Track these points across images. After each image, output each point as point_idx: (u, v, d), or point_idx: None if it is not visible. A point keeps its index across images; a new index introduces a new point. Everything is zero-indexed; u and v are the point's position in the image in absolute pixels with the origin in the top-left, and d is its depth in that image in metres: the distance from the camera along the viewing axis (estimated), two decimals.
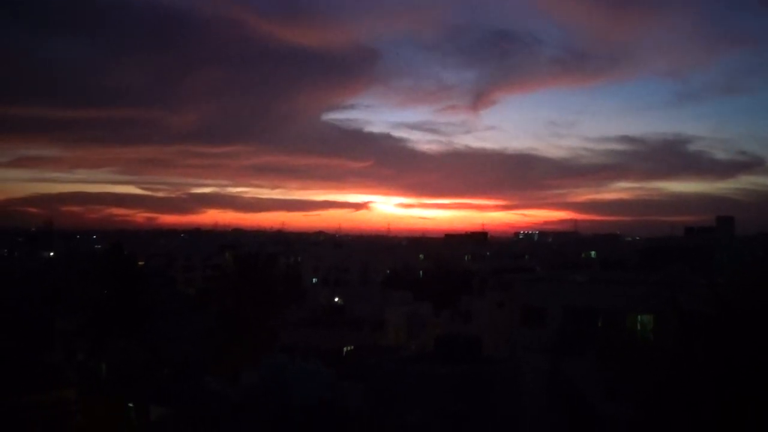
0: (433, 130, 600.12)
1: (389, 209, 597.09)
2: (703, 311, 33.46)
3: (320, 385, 46.29)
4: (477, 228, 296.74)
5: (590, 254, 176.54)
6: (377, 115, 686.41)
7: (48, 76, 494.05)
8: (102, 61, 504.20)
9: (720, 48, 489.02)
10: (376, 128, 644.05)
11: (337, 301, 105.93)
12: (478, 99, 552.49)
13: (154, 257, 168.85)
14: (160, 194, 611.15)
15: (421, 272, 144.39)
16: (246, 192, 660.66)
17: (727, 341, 29.95)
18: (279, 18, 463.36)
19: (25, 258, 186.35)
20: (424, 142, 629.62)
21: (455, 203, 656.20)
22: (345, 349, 71.86)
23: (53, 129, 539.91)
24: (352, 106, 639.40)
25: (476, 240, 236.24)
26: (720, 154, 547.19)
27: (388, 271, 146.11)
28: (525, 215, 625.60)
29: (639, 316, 56.47)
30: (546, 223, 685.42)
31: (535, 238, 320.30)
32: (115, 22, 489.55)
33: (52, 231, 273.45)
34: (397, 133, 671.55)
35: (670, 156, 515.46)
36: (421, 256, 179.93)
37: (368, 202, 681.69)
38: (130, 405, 51.19)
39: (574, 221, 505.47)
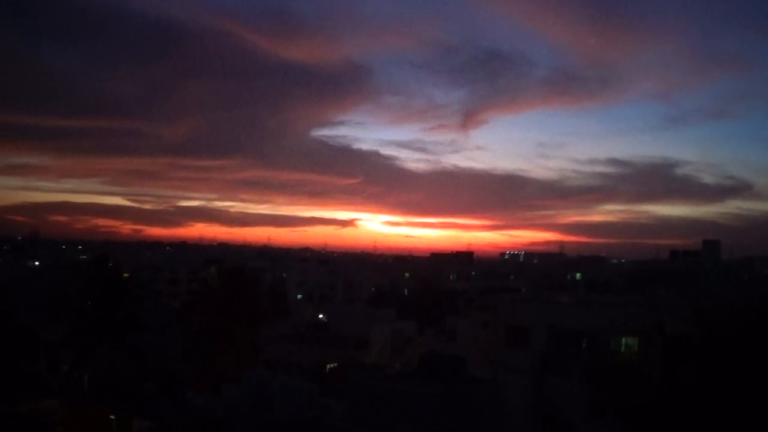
0: (421, 149, 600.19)
1: (376, 227, 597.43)
2: (687, 334, 33.57)
3: (303, 401, 46.21)
4: (463, 247, 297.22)
5: (576, 276, 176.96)
6: (366, 132, 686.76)
7: (37, 84, 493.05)
8: (93, 71, 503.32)
9: (709, 72, 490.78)
10: (364, 145, 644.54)
11: (321, 318, 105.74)
12: (468, 118, 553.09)
13: (139, 269, 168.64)
14: (147, 206, 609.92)
15: (406, 291, 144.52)
16: (233, 206, 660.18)
17: (711, 364, 30.02)
18: (271, 32, 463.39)
19: (10, 267, 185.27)
20: (412, 160, 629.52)
21: (442, 222, 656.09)
22: (328, 365, 71.83)
23: (42, 137, 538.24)
24: (341, 123, 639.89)
25: (462, 259, 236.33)
26: (707, 178, 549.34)
27: (373, 289, 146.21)
28: (511, 236, 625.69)
29: (624, 338, 56.70)
30: (532, 244, 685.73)
31: (521, 258, 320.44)
32: (107, 31, 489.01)
33: (38, 240, 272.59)
34: (386, 151, 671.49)
35: (657, 179, 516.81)
36: (407, 274, 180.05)
37: (355, 220, 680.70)
38: (113, 417, 50.96)
39: (561, 243, 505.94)
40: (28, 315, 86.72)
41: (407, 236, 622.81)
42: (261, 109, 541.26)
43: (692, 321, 32.36)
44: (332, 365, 72.26)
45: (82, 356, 66.82)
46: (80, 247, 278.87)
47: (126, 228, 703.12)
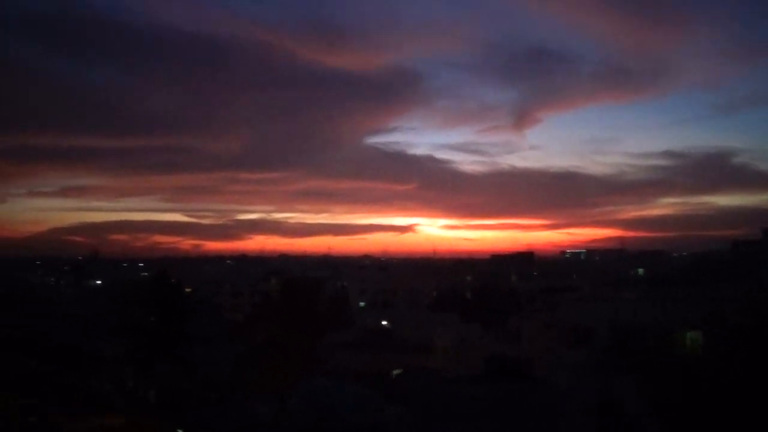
0: (476, 151, 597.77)
1: (434, 231, 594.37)
2: (751, 325, 33.22)
3: (367, 408, 46.36)
4: (523, 248, 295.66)
5: (637, 271, 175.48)
6: (420, 137, 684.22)
7: (90, 106, 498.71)
8: (145, 89, 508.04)
9: (759, 58, 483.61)
10: (419, 150, 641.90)
11: (384, 325, 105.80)
12: (521, 118, 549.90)
13: (200, 284, 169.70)
14: (206, 221, 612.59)
15: (468, 294, 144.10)
16: (291, 217, 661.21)
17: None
18: (320, 42, 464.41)
19: (72, 286, 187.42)
20: (467, 163, 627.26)
21: (501, 224, 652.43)
22: (392, 372, 71.86)
23: (98, 158, 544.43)
24: (394, 129, 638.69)
25: (523, 260, 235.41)
26: (764, 166, 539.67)
27: (435, 294, 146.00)
28: (571, 234, 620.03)
29: (687, 333, 56.19)
30: (592, 241, 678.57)
31: (582, 256, 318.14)
32: (157, 51, 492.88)
33: (98, 259, 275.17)
34: (441, 155, 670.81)
35: (713, 169, 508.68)
36: (468, 277, 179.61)
37: (413, 225, 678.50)
38: (179, 431, 51.42)
39: (621, 238, 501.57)
40: (91, 332, 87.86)
41: (466, 239, 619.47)
42: (314, 120, 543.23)
43: (756, 311, 32.07)
44: (396, 371, 72.30)
45: (146, 371, 67.62)
46: (141, 265, 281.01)
47: (186, 243, 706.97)
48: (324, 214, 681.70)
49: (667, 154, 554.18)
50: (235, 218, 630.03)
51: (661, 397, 41.74)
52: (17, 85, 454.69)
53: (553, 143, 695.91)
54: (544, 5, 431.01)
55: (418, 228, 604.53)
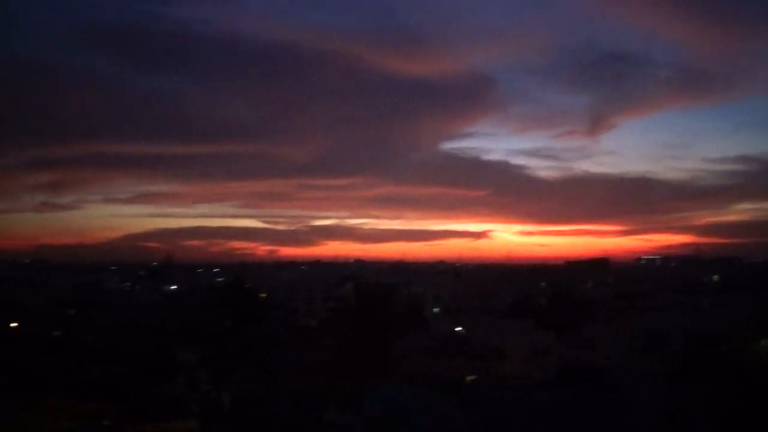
0: (550, 156, 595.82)
1: (509, 237, 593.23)
2: None
3: (442, 414, 46.76)
4: (598, 254, 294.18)
5: (713, 278, 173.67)
6: (494, 142, 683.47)
7: (167, 114, 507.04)
8: (220, 98, 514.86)
9: None
10: (493, 156, 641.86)
11: (458, 331, 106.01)
12: (595, 123, 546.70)
13: (276, 289, 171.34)
14: (281, 227, 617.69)
15: (542, 300, 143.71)
16: (366, 223, 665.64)
17: None
18: (392, 49, 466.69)
19: (147, 291, 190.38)
20: (542, 168, 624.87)
21: (575, 230, 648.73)
22: (467, 378, 72.19)
23: (173, 165, 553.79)
24: (468, 135, 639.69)
25: (597, 266, 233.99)
26: None
27: (509, 300, 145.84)
28: (646, 240, 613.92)
29: (761, 341, 55.82)
30: (667, 247, 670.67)
31: (657, 263, 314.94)
32: (233, 59, 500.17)
33: (173, 265, 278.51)
34: (515, 161, 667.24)
35: None
36: (542, 283, 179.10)
37: (488, 231, 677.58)
38: None
39: (696, 245, 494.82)
40: (166, 337, 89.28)
41: (541, 245, 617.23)
42: (388, 126, 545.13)
43: None
44: (470, 378, 72.62)
45: (221, 376, 68.75)
46: (216, 270, 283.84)
47: (261, 249, 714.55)
48: (398, 220, 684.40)
49: (742, 158, 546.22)
50: (309, 224, 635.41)
51: (733, 406, 41.70)
52: (93, 95, 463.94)
53: (627, 148, 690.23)
54: (619, 10, 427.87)
55: (492, 234, 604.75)
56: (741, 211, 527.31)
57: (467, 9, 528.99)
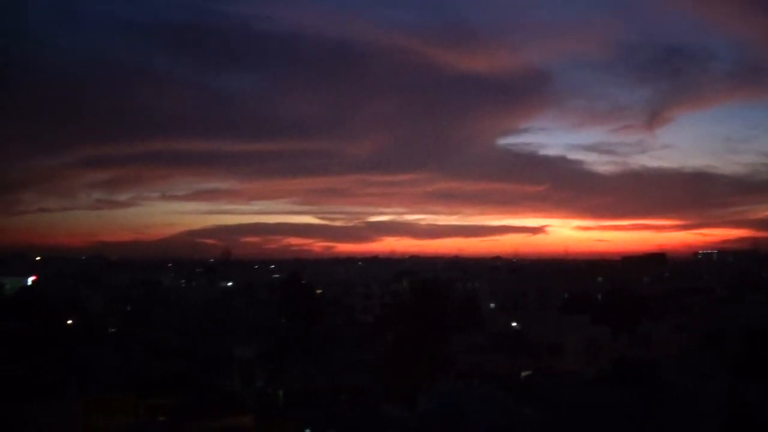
0: (608, 151, 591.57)
1: (566, 232, 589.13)
2: None
3: (497, 410, 46.83)
4: (655, 249, 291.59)
5: None
6: (551, 137, 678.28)
7: (223, 111, 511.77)
8: (276, 94, 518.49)
9: None
10: (550, 151, 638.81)
11: (514, 326, 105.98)
12: (653, 117, 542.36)
13: (332, 285, 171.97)
14: (338, 223, 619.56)
15: (599, 295, 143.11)
16: (422, 219, 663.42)
17: None
18: (450, 45, 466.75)
19: (204, 288, 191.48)
20: (599, 163, 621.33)
21: (633, 224, 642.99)
22: (522, 374, 72.24)
23: (230, 162, 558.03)
24: (525, 130, 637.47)
25: (654, 261, 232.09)
26: None
27: (566, 295, 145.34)
28: (704, 234, 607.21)
29: None
30: (725, 241, 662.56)
31: (714, 257, 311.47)
32: (288, 56, 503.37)
33: (230, 261, 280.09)
34: (572, 155, 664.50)
35: None
36: (599, 279, 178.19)
37: (545, 226, 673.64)
38: (307, 431, 52.38)
39: (753, 239, 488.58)
40: (223, 333, 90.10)
41: (598, 240, 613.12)
42: (445, 122, 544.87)
43: None
44: (526, 373, 72.64)
45: (277, 372, 69.35)
46: (272, 267, 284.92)
47: (317, 246, 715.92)
48: (455, 216, 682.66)
49: None
50: (366, 220, 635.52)
51: None
52: (151, 92, 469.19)
53: (685, 142, 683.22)
54: (678, 4, 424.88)
55: (549, 229, 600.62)
56: None
57: (525, 4, 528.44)
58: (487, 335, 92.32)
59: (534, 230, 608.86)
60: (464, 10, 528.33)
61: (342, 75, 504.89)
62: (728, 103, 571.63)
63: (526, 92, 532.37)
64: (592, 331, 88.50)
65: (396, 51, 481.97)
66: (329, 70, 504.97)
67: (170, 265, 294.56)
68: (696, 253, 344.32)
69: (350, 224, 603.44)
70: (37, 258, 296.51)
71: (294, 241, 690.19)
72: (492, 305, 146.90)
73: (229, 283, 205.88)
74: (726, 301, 78.52)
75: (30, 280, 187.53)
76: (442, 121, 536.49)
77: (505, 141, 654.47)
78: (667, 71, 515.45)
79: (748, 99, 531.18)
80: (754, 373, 49.59)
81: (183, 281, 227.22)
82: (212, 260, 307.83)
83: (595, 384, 49.88)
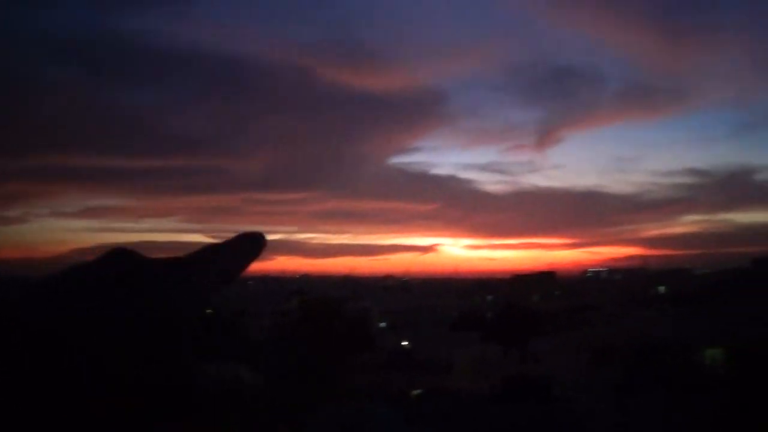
0: (499, 170, 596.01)
1: (457, 251, 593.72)
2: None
3: (389, 429, 46.07)
4: (545, 267, 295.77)
5: (659, 289, 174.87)
6: (443, 157, 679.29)
7: (113, 126, 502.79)
8: (170, 110, 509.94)
9: None
10: (442, 170, 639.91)
11: (405, 345, 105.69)
12: (544, 137, 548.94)
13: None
14: None
15: (489, 313, 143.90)
16: (313, 238, 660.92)
17: None
18: (344, 64, 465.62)
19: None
20: (490, 182, 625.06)
21: (523, 243, 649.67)
22: (413, 392, 71.78)
23: (121, 179, 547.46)
24: (418, 149, 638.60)
25: (544, 279, 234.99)
26: None
27: (456, 313, 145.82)
28: (593, 253, 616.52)
29: (709, 350, 56.01)
30: (615, 259, 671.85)
31: (604, 275, 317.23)
32: (179, 70, 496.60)
33: None
34: (464, 175, 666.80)
35: (736, 187, 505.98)
36: (489, 297, 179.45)
37: (436, 245, 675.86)
38: None
39: (643, 257, 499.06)
40: None
41: (489, 259, 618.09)
42: (337, 141, 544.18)
43: None
44: (417, 392, 72.21)
45: None
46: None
47: None
48: (346, 235, 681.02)
49: (690, 171, 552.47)
50: None
51: (681, 415, 41.60)
52: (40, 105, 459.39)
53: (576, 162, 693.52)
54: (569, 25, 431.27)
55: (440, 248, 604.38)
56: (688, 224, 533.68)
57: (420, 24, 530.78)
58: (378, 354, 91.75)
59: (425, 249, 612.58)
60: (360, 29, 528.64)
61: (236, 92, 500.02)
62: (618, 123, 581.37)
63: (418, 112, 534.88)
64: (482, 349, 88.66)
65: (291, 69, 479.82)
66: (223, 87, 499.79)
67: None
68: (585, 271, 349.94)
69: None
70: None
71: None
72: (383, 324, 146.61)
73: None
74: (615, 317, 79.35)
75: None
76: (334, 139, 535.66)
77: (397, 160, 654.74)
78: (558, 92, 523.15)
79: (637, 119, 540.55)
80: (642, 388, 49.83)
81: None
82: None
83: (486, 401, 49.50)
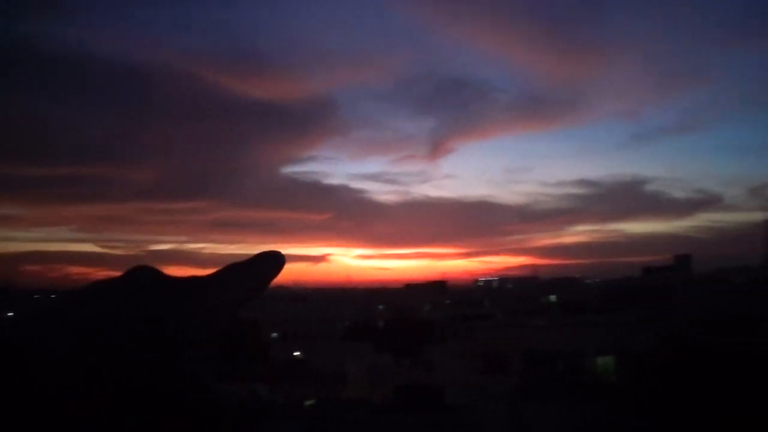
0: (390, 180, 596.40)
1: (349, 261, 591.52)
2: (661, 350, 33.71)
3: None
4: (437, 277, 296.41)
5: (550, 298, 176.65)
6: (335, 167, 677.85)
7: (5, 133, 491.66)
8: (60, 116, 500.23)
9: (674, 88, 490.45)
10: (334, 180, 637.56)
11: (297, 355, 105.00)
12: (436, 148, 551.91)
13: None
14: (119, 251, 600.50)
15: (381, 323, 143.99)
16: (205, 248, 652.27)
17: (680, 379, 30.13)
18: (239, 72, 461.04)
19: None
20: (382, 192, 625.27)
21: (415, 253, 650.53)
22: (306, 402, 71.29)
23: (11, 188, 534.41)
24: (310, 159, 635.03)
25: (436, 289, 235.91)
26: (677, 193, 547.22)
27: (348, 323, 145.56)
28: (485, 262, 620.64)
29: (600, 358, 56.73)
30: (506, 269, 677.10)
31: (495, 284, 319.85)
32: (75, 78, 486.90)
33: (10, 290, 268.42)
34: (356, 185, 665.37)
35: (627, 197, 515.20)
36: (381, 306, 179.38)
37: (328, 255, 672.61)
38: None
39: (534, 266, 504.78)
40: None
41: (381, 268, 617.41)
42: (230, 149, 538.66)
43: (663, 337, 32.52)
44: (310, 402, 71.71)
45: None
46: (53, 296, 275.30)
47: (99, 274, 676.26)
48: (238, 245, 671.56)
49: (581, 182, 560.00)
50: (147, 249, 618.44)
51: (574, 421, 42.01)
52: None
53: (468, 172, 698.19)
54: (465, 37, 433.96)
55: (332, 258, 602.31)
56: (579, 233, 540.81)
57: (313, 33, 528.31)
58: (270, 365, 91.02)
59: (317, 259, 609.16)
60: (254, 38, 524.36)
61: (128, 100, 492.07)
62: (509, 134, 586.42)
63: (311, 121, 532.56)
64: (374, 358, 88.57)
65: (185, 76, 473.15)
66: (116, 94, 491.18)
67: None
68: (476, 280, 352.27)
69: (131, 253, 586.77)
70: None
71: (75, 269, 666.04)
72: (274, 334, 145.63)
73: (9, 314, 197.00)
74: (506, 326, 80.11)
75: None
76: (227, 148, 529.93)
77: (289, 169, 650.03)
78: (451, 102, 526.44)
79: (528, 130, 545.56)
80: (534, 394, 50.23)
81: None
82: None
83: (379, 411, 49.33)
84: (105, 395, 1.02)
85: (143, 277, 1.54)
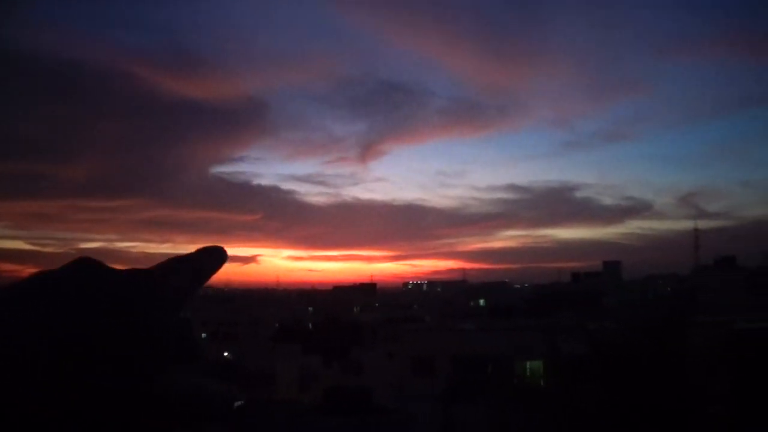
0: (321, 182, 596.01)
1: (278, 262, 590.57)
2: (585, 355, 34.25)
3: None
4: (366, 279, 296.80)
5: (479, 302, 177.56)
6: (266, 167, 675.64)
7: None
8: None
9: (606, 96, 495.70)
10: (264, 181, 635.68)
11: (226, 356, 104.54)
12: (367, 151, 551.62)
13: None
14: (49, 249, 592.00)
15: (310, 325, 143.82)
16: (135, 247, 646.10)
17: (607, 385, 30.66)
18: (172, 70, 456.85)
19: None
20: (312, 194, 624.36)
21: (344, 255, 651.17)
22: (235, 404, 71.04)
23: None
24: (240, 159, 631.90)
25: (365, 291, 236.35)
26: (607, 200, 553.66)
27: (277, 325, 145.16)
28: (414, 265, 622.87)
29: (528, 363, 57.36)
30: (435, 272, 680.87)
31: (424, 287, 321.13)
32: (10, 74, 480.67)
33: None
34: (286, 186, 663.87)
35: (557, 203, 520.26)
36: (311, 308, 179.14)
37: (257, 256, 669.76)
38: None
39: (463, 270, 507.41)
40: None
41: (310, 270, 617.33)
42: (161, 148, 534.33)
43: (590, 342, 33.04)
44: (239, 404, 71.45)
45: None
46: None
47: (28, 272, 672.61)
48: (167, 244, 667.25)
49: (511, 187, 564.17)
50: (77, 247, 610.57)
51: (502, 424, 42.49)
52: None
53: (399, 176, 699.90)
54: (400, 41, 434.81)
55: (261, 259, 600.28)
56: (508, 238, 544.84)
57: (249, 34, 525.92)
58: (199, 366, 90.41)
59: (246, 260, 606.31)
60: (186, 36, 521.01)
61: (61, 96, 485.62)
62: (442, 139, 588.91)
63: (242, 121, 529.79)
64: (303, 360, 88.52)
65: (120, 74, 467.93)
66: (47, 91, 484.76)
67: None
68: (405, 283, 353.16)
69: (61, 251, 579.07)
70: None
71: (5, 267, 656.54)
72: (203, 335, 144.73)
73: None
74: (435, 328, 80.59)
75: None
76: (157, 147, 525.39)
77: (219, 169, 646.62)
78: (384, 106, 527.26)
79: (460, 135, 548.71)
80: (463, 398, 50.65)
81: None
82: None
83: (308, 412, 49.43)
84: (65, 388, 1.19)
85: (87, 269, 1.54)
